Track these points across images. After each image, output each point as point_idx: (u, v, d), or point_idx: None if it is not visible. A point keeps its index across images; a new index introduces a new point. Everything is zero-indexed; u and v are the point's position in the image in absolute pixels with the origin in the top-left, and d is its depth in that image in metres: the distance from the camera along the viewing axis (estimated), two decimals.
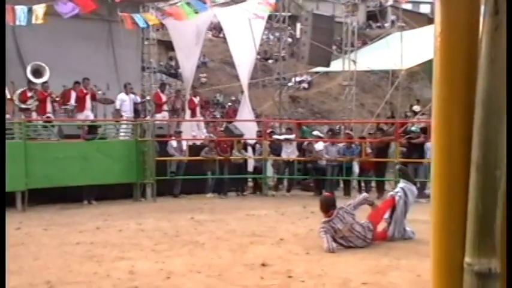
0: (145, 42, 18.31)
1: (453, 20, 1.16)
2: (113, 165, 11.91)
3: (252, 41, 16.14)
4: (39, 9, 12.41)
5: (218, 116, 23.23)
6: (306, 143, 14.21)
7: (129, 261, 5.99)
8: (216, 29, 28.96)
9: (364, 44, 25.53)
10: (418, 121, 18.04)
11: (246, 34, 16.02)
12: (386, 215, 6.96)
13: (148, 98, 16.84)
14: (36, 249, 6.76)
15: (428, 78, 24.53)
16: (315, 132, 15.37)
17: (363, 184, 13.80)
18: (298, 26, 23.61)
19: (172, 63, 27.23)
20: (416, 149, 12.96)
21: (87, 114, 13.97)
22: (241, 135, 14.23)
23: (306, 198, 12.74)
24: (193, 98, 15.73)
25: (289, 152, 13.82)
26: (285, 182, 14.45)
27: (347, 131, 15.20)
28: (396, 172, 12.58)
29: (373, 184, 13.87)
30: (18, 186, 10.46)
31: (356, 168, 13.89)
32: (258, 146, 14.11)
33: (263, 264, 5.69)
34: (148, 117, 14.81)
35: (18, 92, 13.30)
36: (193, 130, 15.22)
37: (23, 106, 13.19)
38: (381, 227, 6.96)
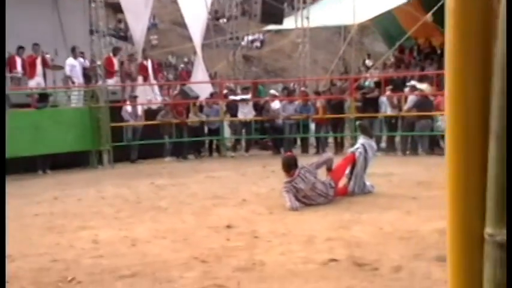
0: (92, 5, 17.68)
1: None
2: (66, 134, 11.64)
3: (203, 0, 15.83)
4: None
5: (171, 79, 22.88)
6: (262, 101, 14.21)
7: (91, 230, 5.90)
8: None
9: None
10: (371, 76, 18.25)
11: None
12: (347, 171, 7.06)
13: (99, 62, 16.38)
14: None
15: (379, 32, 24.74)
16: (272, 91, 15.37)
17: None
18: None
19: (121, 25, 26.50)
20: (370, 104, 13.14)
21: (39, 81, 13.51)
22: (197, 97, 14.08)
23: (265, 158, 12.81)
24: (145, 62, 15.41)
25: (246, 112, 13.79)
26: (243, 143, 14.47)
27: (302, 89, 15.26)
28: (353, 127, 12.78)
29: (331, 140, 14.05)
30: None
31: (312, 126, 14.00)
32: (214, 106, 13.99)
33: (228, 226, 5.69)
34: (100, 83, 14.45)
35: None
36: (148, 94, 14.96)
37: None
38: (341, 183, 7.06)
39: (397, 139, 13.29)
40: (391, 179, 8.64)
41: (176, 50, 25.57)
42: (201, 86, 15.29)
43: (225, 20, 23.93)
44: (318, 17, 18.09)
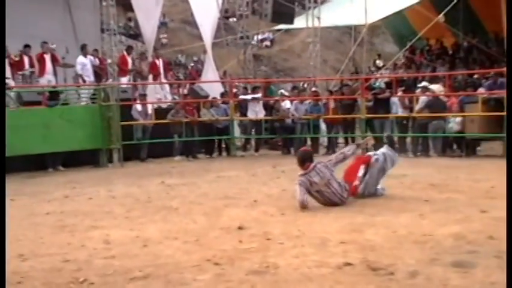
0: (103, 3, 17.69)
1: None
2: (77, 132, 11.66)
3: None
4: None
5: (181, 78, 22.86)
6: (272, 101, 14.16)
7: (102, 230, 5.87)
8: None
9: None
10: (382, 76, 18.16)
11: None
12: (360, 173, 6.95)
13: (109, 61, 16.39)
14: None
15: (389, 32, 24.63)
16: (281, 91, 15.31)
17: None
18: None
19: (132, 24, 26.49)
20: (382, 104, 13.06)
21: (49, 79, 13.52)
22: (207, 96, 14.05)
23: (275, 158, 12.76)
24: (156, 60, 15.40)
25: (257, 111, 13.74)
26: (253, 142, 14.41)
27: (314, 89, 15.20)
28: (363, 128, 12.73)
29: (341, 140, 13.99)
30: None
31: (323, 126, 13.94)
32: (221, 106, 13.94)
33: (240, 228, 5.64)
34: (110, 81, 14.45)
35: None
36: (158, 93, 14.96)
37: None
38: (353, 183, 6.97)
39: (408, 140, 13.20)
40: (403, 180, 8.55)
41: (186, 48, 25.54)
42: (211, 85, 15.26)
43: (235, 19, 23.86)
44: (328, 16, 18.03)
